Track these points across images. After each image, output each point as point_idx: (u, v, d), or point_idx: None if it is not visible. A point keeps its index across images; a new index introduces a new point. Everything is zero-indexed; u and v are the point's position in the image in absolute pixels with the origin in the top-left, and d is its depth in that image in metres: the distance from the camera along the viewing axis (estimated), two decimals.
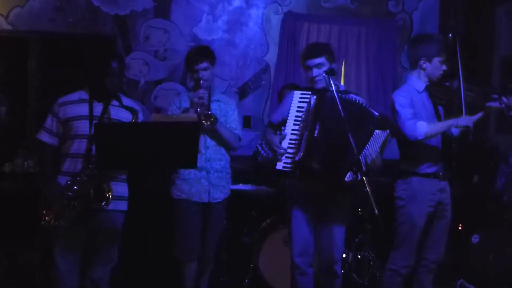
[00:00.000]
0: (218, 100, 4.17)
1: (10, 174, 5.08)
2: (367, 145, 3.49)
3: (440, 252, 3.95)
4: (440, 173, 3.83)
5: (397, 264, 3.88)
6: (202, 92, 3.95)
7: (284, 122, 3.72)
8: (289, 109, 3.70)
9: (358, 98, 3.67)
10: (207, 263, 4.20)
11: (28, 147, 5.12)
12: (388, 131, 3.56)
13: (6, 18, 5.42)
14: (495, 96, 3.87)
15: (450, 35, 5.96)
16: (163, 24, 5.72)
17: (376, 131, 3.51)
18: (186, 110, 4.04)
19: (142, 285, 4.50)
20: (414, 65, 3.89)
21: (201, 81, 4.00)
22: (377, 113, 3.57)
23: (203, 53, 4.14)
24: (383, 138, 3.55)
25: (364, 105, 3.60)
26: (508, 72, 5.62)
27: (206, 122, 3.89)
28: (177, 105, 4.13)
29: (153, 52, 5.72)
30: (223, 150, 4.12)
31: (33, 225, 3.64)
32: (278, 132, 3.83)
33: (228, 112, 4.17)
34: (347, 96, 3.61)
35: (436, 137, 3.82)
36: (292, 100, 3.71)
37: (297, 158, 3.55)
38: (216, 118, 3.96)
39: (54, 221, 3.40)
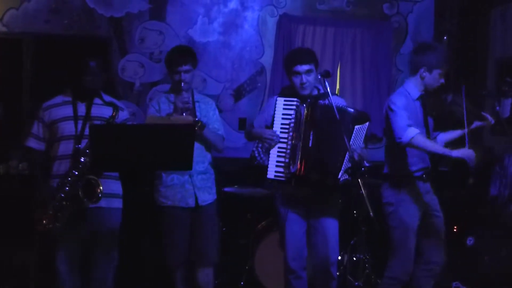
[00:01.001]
0: (198, 101, 4.00)
1: (5, 176, 5.08)
2: (351, 142, 3.47)
3: (442, 253, 3.92)
4: (424, 175, 3.83)
5: (397, 272, 3.83)
6: (186, 96, 3.79)
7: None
8: (274, 116, 3.68)
9: (336, 99, 3.66)
10: (210, 267, 4.03)
11: (22, 149, 5.11)
12: (367, 123, 3.57)
13: (0, 20, 5.40)
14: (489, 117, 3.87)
15: (445, 37, 5.98)
16: (159, 26, 5.71)
17: (356, 127, 3.50)
18: (169, 115, 3.85)
19: None
20: (414, 71, 3.85)
21: (183, 84, 3.82)
22: (352, 110, 3.58)
23: (186, 54, 3.93)
24: (364, 132, 3.58)
25: (341, 106, 3.59)
26: (504, 74, 5.63)
27: None
28: (155, 107, 3.94)
29: (149, 54, 5.71)
30: (204, 152, 3.96)
31: (28, 226, 3.63)
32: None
33: (209, 113, 4.01)
34: (331, 101, 3.52)
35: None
36: (276, 106, 3.68)
37: (293, 170, 3.53)
38: (203, 124, 3.83)
39: (49, 224, 3.40)
